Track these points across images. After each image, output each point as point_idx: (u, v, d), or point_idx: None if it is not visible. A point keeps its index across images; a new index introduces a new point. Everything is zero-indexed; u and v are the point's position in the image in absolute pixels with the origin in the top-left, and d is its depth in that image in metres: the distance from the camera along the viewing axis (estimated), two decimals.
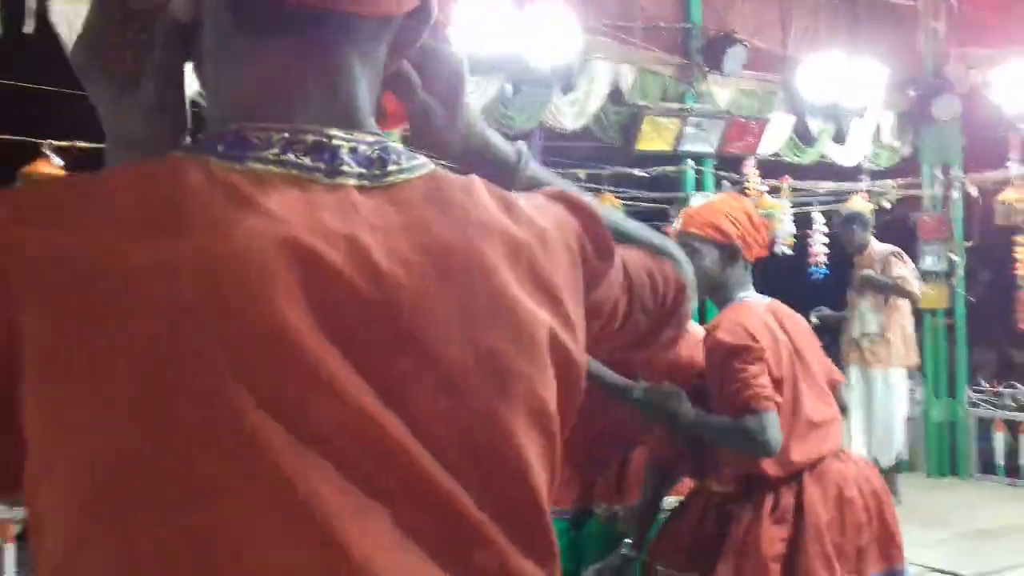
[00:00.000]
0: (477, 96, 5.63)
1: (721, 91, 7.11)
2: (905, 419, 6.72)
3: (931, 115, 7.73)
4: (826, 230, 7.30)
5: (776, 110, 7.28)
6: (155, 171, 0.71)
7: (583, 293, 0.87)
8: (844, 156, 7.68)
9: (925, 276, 7.22)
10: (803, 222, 7.38)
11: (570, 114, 6.24)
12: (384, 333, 0.71)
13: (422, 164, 0.80)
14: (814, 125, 7.48)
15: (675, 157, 6.90)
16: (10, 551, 4.82)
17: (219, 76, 0.78)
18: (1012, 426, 7.60)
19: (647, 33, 6.74)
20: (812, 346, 2.70)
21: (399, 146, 0.80)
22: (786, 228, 7.14)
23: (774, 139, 7.24)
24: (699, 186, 7.14)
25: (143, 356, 0.65)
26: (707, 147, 6.89)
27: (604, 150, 6.74)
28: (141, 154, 0.78)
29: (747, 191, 7.17)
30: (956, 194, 8.03)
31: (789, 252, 7.05)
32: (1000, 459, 7.59)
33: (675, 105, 6.75)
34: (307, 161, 0.73)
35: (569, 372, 0.82)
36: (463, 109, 0.94)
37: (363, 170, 0.75)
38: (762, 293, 2.71)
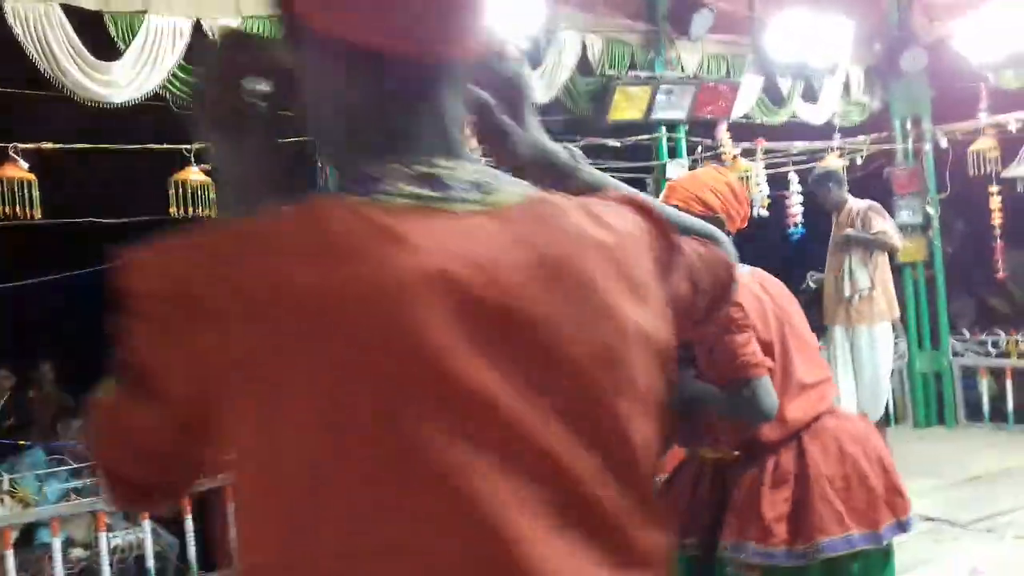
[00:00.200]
0: None
1: (689, 56, 7.08)
2: (890, 373, 6.76)
3: (899, 68, 7.73)
4: (800, 189, 7.31)
5: (745, 72, 7.26)
6: (308, 211, 0.80)
7: (661, 285, 0.96)
8: (815, 114, 7.68)
9: (902, 230, 7.24)
10: (777, 184, 7.39)
11: (539, 87, 6.20)
12: (520, 341, 0.81)
13: (517, 184, 0.90)
14: (784, 85, 7.47)
15: (648, 125, 6.88)
16: (9, 558, 4.80)
17: (334, 120, 0.87)
18: (996, 373, 7.69)
19: (612, 1, 6.69)
20: (797, 311, 2.70)
21: (495, 170, 0.90)
22: (762, 190, 7.15)
23: (744, 101, 7.23)
24: (673, 153, 7.13)
25: (326, 376, 0.75)
26: (679, 113, 6.87)
27: (577, 122, 6.71)
28: (251, 193, 0.90)
29: (722, 155, 7.17)
30: (928, 146, 8.07)
31: (765, 214, 7.06)
32: (986, 406, 7.67)
33: (645, 73, 6.72)
34: (427, 191, 0.83)
35: (662, 359, 0.92)
36: (527, 120, 1.04)
37: (473, 195, 0.85)
38: (741, 256, 2.70)
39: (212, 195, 5.37)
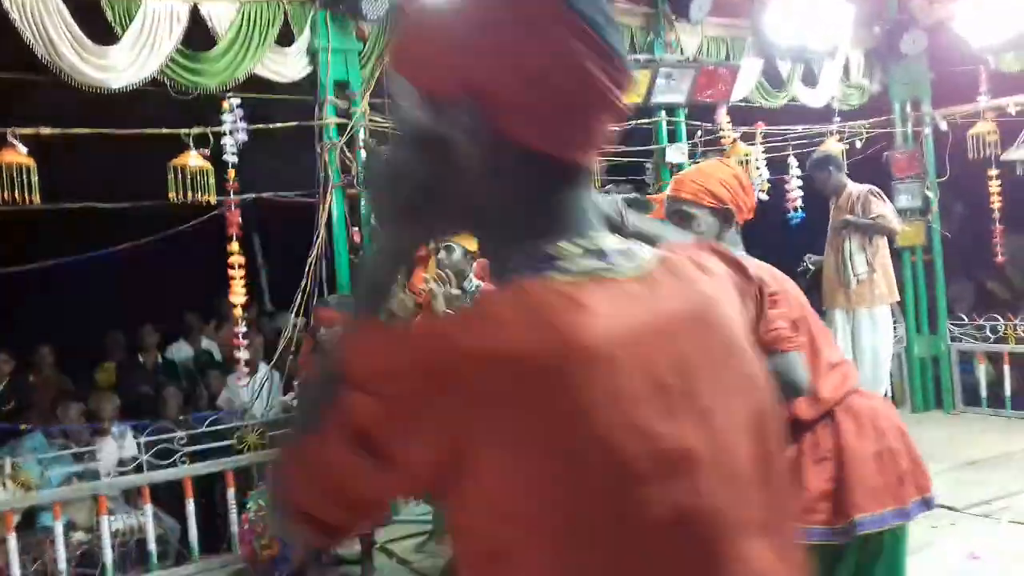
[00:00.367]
0: None
1: (689, 39, 7.06)
2: (890, 356, 6.76)
3: (898, 51, 7.70)
4: (800, 173, 7.30)
5: (745, 55, 7.24)
6: (517, 291, 0.96)
7: (743, 312, 1.14)
8: (814, 98, 7.66)
9: (901, 213, 7.23)
10: (776, 168, 7.38)
11: None
12: (695, 379, 0.97)
13: (649, 250, 1.06)
14: (783, 68, 7.45)
15: (647, 109, 6.86)
16: (12, 541, 4.83)
17: (513, 209, 1.02)
18: (993, 358, 7.69)
19: None
20: (805, 299, 2.72)
21: (632, 241, 1.06)
22: (762, 174, 7.14)
23: (744, 84, 7.21)
24: (672, 137, 7.12)
25: (558, 432, 0.88)
26: (678, 97, 6.85)
27: None
28: (381, 292, 1.08)
29: (721, 139, 7.16)
30: (927, 130, 8.05)
31: (765, 198, 7.05)
32: (983, 391, 7.69)
33: (644, 57, 6.70)
34: (593, 263, 0.99)
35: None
36: None
37: (624, 262, 1.01)
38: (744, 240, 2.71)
39: (211, 180, 5.37)
